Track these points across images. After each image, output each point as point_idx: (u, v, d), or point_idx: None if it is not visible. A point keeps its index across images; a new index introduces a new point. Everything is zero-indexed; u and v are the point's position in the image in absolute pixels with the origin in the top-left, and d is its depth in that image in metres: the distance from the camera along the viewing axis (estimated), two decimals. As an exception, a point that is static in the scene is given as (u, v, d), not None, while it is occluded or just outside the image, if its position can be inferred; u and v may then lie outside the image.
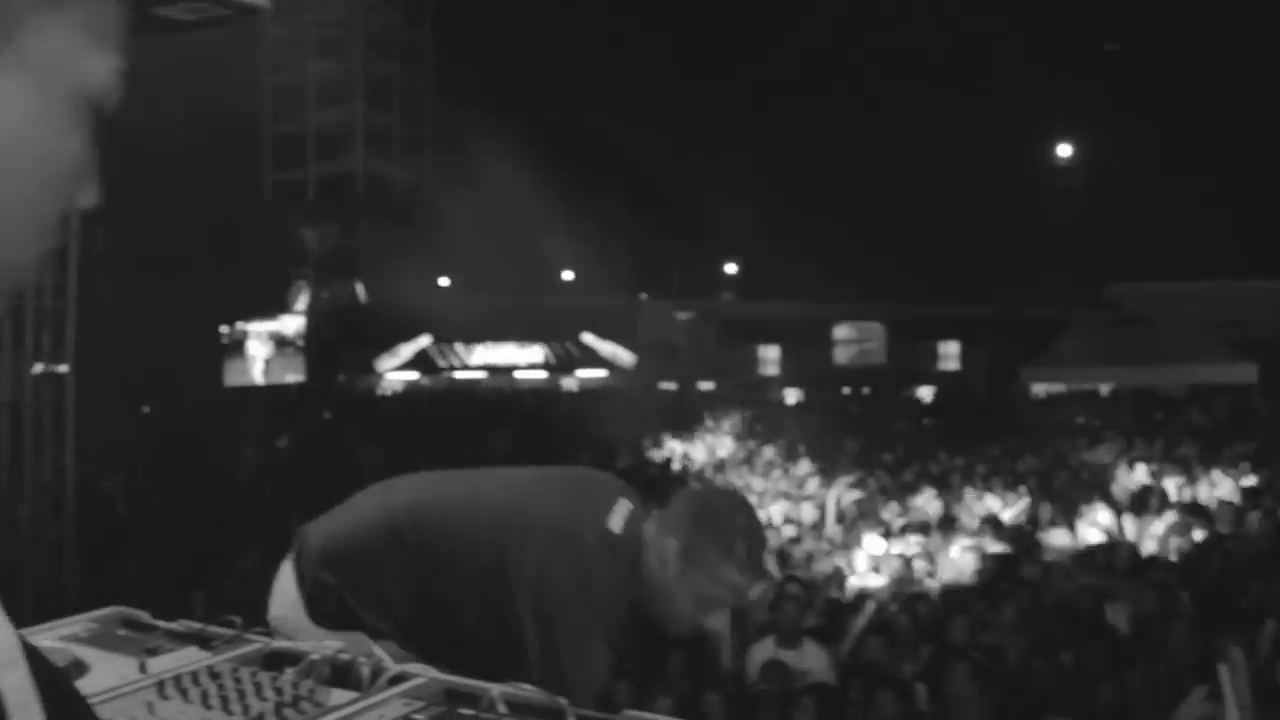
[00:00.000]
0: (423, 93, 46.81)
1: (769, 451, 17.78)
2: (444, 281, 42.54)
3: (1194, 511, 11.46)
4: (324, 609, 2.73)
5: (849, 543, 10.60)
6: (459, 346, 38.63)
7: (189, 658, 1.89)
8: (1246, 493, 13.14)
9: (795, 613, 7.38)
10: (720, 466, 17.14)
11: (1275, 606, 8.04)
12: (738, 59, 46.75)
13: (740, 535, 2.62)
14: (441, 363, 38.68)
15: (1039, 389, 28.97)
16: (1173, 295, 40.31)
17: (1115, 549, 9.81)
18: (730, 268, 52.16)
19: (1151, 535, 11.00)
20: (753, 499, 13.15)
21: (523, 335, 38.68)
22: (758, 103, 46.18)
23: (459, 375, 38.28)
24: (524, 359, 38.73)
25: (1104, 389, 28.61)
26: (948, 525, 11.78)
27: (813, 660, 7.01)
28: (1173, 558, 9.91)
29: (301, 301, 39.10)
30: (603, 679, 2.53)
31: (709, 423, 21.90)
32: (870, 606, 7.88)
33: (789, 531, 11.33)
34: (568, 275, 52.86)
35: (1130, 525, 11.70)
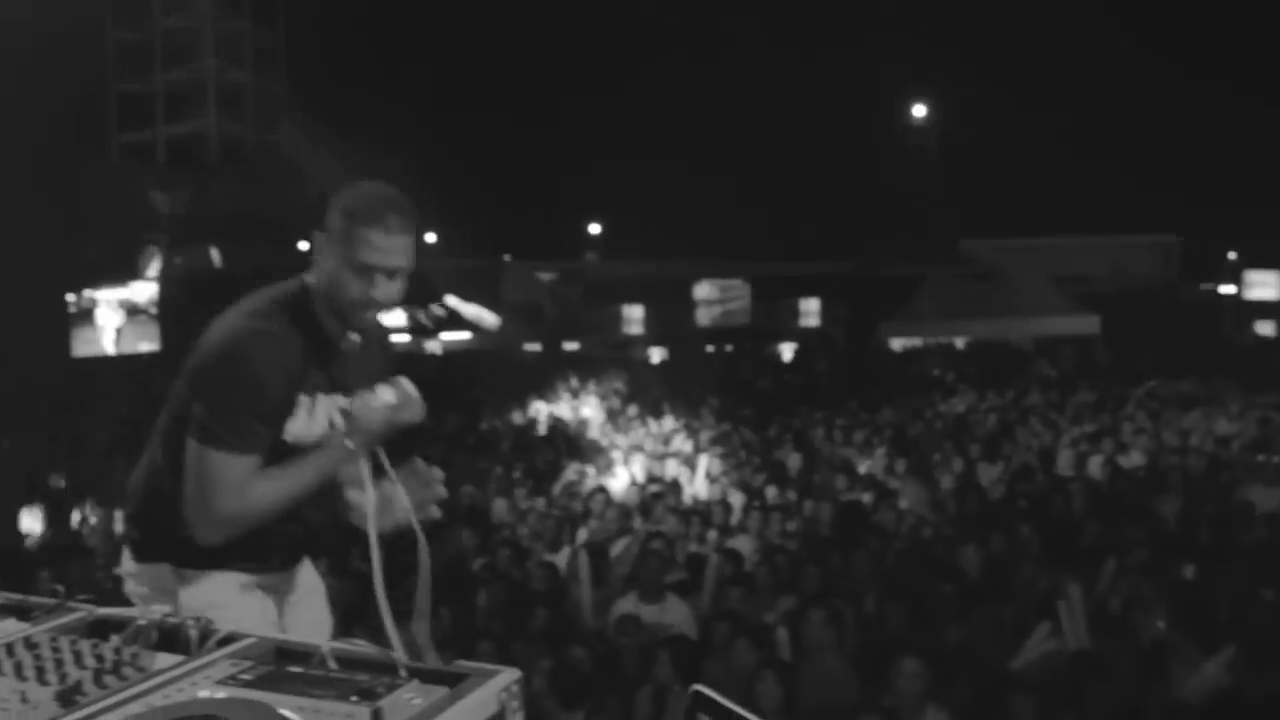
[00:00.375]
0: (276, 50, 45.54)
1: (633, 410, 17.87)
2: (304, 245, 41.56)
3: (1040, 457, 11.92)
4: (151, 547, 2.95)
5: (712, 497, 10.75)
6: (318, 311, 37.76)
7: (5, 630, 1.82)
8: (1089, 438, 13.70)
9: (657, 567, 7.46)
10: (584, 425, 17.16)
11: (1114, 546, 8.44)
12: (601, 17, 46.49)
13: (382, 203, 2.84)
14: (301, 328, 37.76)
15: (897, 343, 29.69)
16: (1022, 251, 41.72)
17: (965, 495, 10.14)
18: (594, 228, 52.10)
19: (1000, 481, 11.40)
20: (617, 456, 13.25)
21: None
22: (621, 62, 46.06)
23: (319, 340, 37.43)
24: (386, 322, 38.09)
25: (959, 342, 29.45)
26: (807, 478, 12.05)
27: (674, 614, 7.10)
28: (1020, 502, 10.30)
29: (153, 268, 37.71)
30: (260, 435, 2.76)
31: (574, 383, 21.91)
32: (715, 559, 7.99)
33: (653, 488, 11.42)
34: (430, 237, 52.20)
35: (982, 472, 12.12)
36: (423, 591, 2.43)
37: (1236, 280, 42.48)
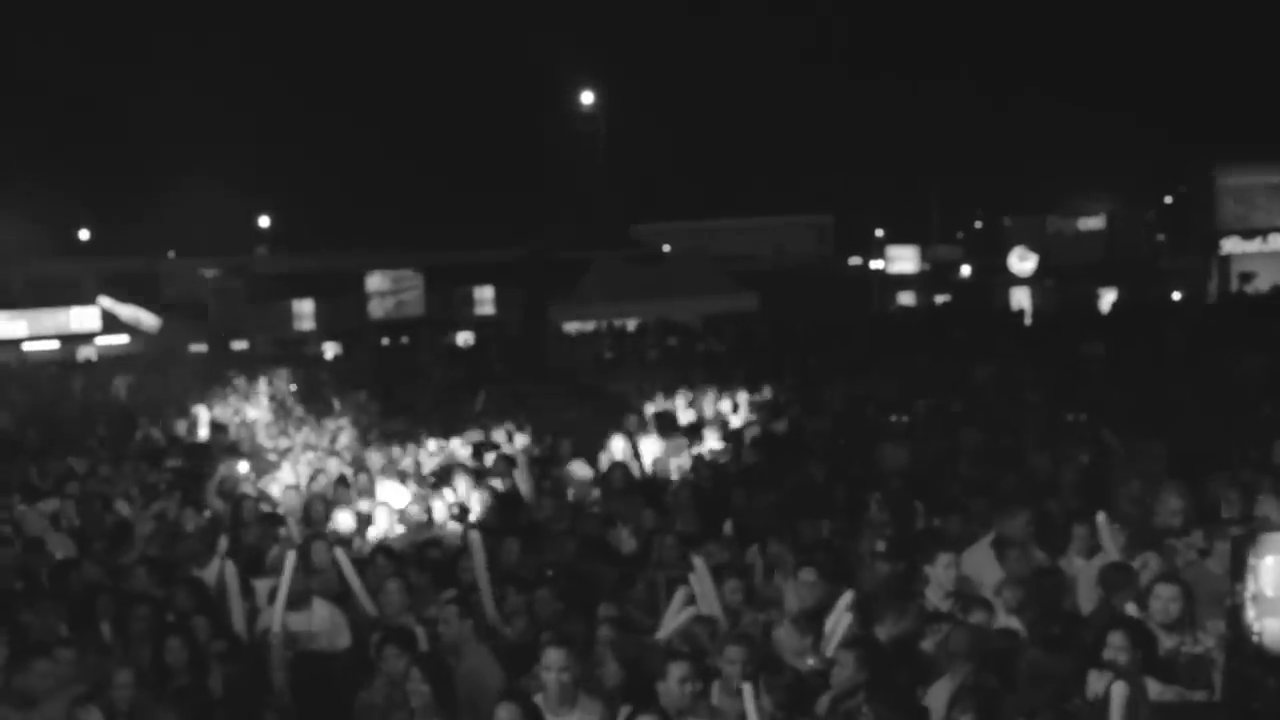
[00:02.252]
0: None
1: (300, 409, 17.26)
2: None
3: (690, 431, 12.34)
4: None
5: (371, 493, 10.50)
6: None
7: None
8: (754, 407, 14.30)
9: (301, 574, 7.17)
10: (250, 427, 16.43)
11: (764, 515, 8.86)
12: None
13: None
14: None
15: (569, 327, 30.12)
16: (688, 233, 43.38)
17: (614, 473, 10.36)
18: (264, 221, 50.11)
19: (659, 456, 11.68)
20: (274, 458, 12.76)
21: (28, 302, 35.22)
22: (289, 54, 44.51)
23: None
24: (30, 329, 35.19)
25: (630, 324, 30.17)
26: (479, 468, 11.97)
27: (320, 620, 6.88)
28: (674, 475, 10.64)
29: None
30: None
31: (240, 384, 20.93)
32: (380, 560, 7.77)
33: (316, 486, 11.05)
34: (83, 234, 48.76)
35: (648, 448, 12.39)
36: None
37: (882, 255, 45.81)
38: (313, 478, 11.68)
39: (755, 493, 9.39)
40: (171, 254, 42.57)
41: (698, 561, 6.46)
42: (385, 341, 32.18)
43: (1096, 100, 49.26)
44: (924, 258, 45.61)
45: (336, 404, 17.51)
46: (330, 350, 31.20)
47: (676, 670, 5.30)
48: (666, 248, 40.31)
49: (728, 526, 8.24)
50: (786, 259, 41.24)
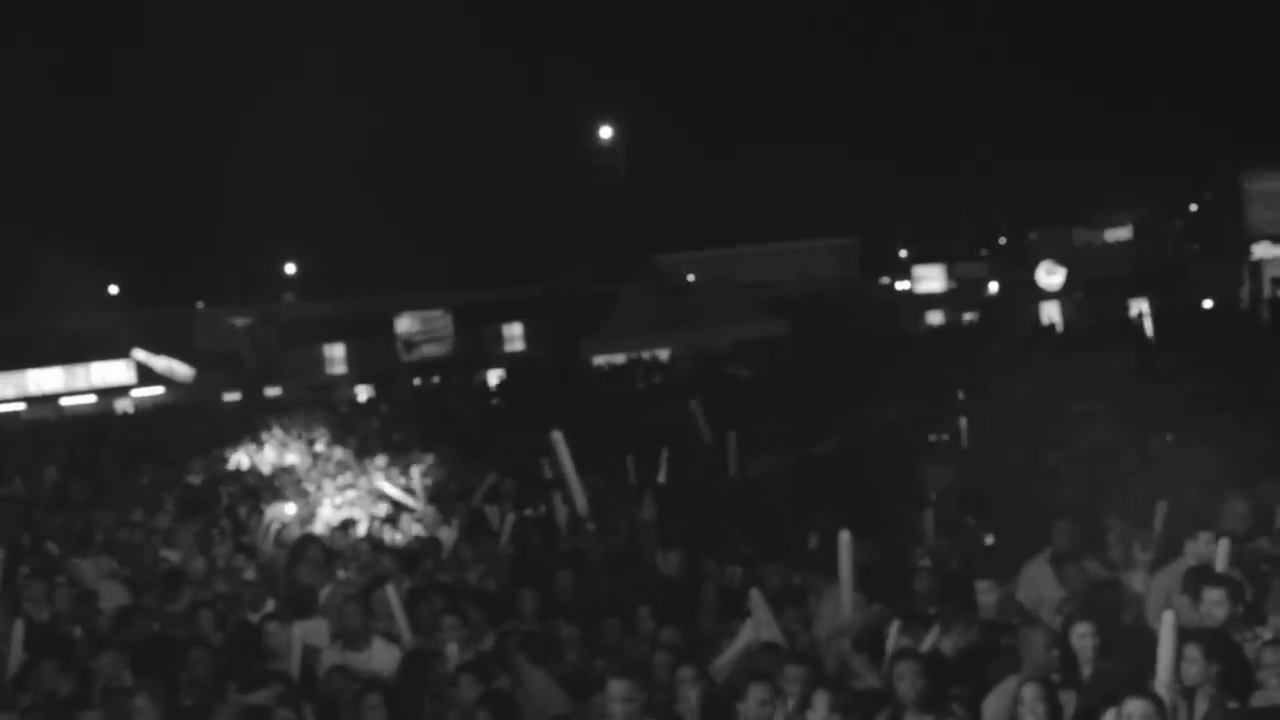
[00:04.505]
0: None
1: (339, 452, 17.35)
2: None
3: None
4: None
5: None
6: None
7: None
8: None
9: (358, 614, 7.17)
10: (289, 472, 16.52)
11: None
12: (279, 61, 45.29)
13: None
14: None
15: (599, 360, 30.14)
16: (714, 262, 43.44)
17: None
18: (290, 268, 50.51)
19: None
20: (317, 499, 12.83)
21: (63, 358, 35.57)
22: (307, 96, 44.92)
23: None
24: (67, 383, 35.54)
25: (662, 354, 30.21)
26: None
27: (381, 660, 6.87)
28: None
29: None
30: None
31: (276, 430, 21.08)
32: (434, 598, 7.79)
33: (355, 530, 11.09)
34: (113, 289, 49.24)
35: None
36: None
37: (908, 275, 45.72)
38: (355, 521, 11.73)
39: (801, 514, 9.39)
40: (200, 304, 42.99)
41: (754, 593, 6.46)
42: (417, 382, 32.34)
43: (1120, 107, 49.05)
44: (950, 276, 45.50)
45: (375, 445, 17.61)
46: (363, 393, 31.38)
47: (757, 692, 5.31)
48: (691, 277, 40.40)
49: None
50: (813, 283, 41.20)
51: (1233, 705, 4.89)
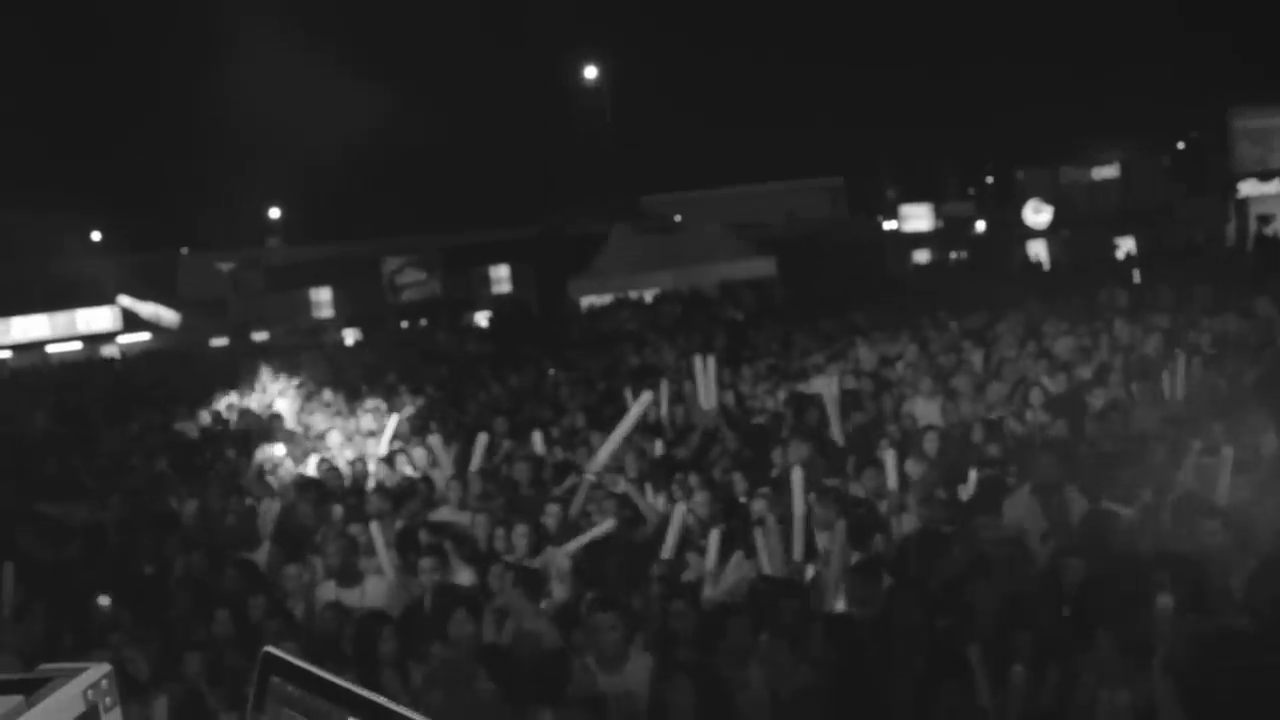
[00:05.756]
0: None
1: (328, 394, 17.36)
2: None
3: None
4: None
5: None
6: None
7: None
8: (770, 371, 14.33)
9: (348, 551, 7.26)
10: (278, 416, 16.56)
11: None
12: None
13: None
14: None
15: (586, 301, 30.12)
16: (701, 202, 43.28)
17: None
18: (275, 212, 50.19)
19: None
20: (308, 443, 12.87)
21: (48, 305, 35.44)
22: (290, 42, 44.42)
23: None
24: (53, 330, 35.44)
25: (648, 295, 30.19)
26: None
27: (374, 596, 6.97)
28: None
29: None
30: None
31: (265, 374, 21.07)
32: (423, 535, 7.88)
33: (358, 468, 11.15)
34: (95, 235, 48.93)
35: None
36: None
37: (895, 215, 45.67)
38: (352, 461, 11.77)
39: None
40: (185, 250, 42.74)
41: (769, 516, 6.55)
42: (405, 324, 32.30)
43: (1106, 46, 48.84)
44: (937, 215, 45.43)
45: (364, 388, 17.63)
46: (350, 337, 31.35)
47: (735, 623, 5.42)
48: (678, 218, 40.28)
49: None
50: (800, 223, 41.12)
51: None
